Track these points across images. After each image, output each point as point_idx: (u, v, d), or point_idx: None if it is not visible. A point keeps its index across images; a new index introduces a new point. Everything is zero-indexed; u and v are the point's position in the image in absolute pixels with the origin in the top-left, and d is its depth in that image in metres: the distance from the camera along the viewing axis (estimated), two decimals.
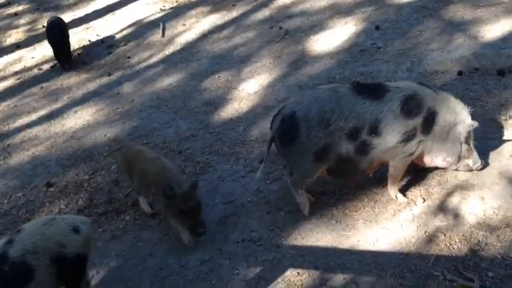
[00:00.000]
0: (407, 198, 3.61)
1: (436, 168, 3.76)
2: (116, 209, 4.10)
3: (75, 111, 5.71)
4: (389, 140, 3.31)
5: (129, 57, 6.74)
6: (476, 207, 3.41)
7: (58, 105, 5.93)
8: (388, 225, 3.45)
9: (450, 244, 3.22)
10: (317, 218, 3.62)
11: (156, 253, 3.62)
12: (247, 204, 3.89)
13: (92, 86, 6.22)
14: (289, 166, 3.57)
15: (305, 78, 5.33)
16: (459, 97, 3.66)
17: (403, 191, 3.67)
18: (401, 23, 5.90)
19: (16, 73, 6.91)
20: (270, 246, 3.48)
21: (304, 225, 3.59)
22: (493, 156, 3.75)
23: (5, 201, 4.42)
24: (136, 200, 4.04)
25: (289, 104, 3.48)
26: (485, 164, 3.64)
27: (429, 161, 3.55)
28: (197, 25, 7.17)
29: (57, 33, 6.60)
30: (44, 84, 6.46)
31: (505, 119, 4.11)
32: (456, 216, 3.40)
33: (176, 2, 8.07)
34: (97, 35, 7.53)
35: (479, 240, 3.19)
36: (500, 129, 4.03)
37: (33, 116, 5.77)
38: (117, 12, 8.16)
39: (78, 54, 7.04)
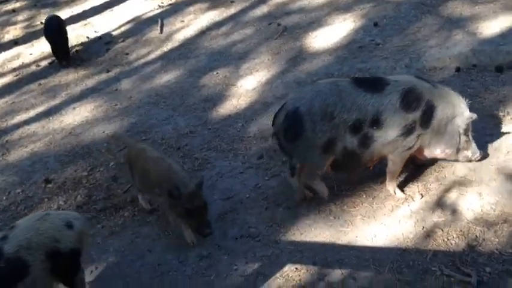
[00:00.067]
0: (405, 194, 3.62)
1: (434, 164, 3.77)
2: (115, 205, 4.10)
3: (74, 108, 5.71)
4: (389, 133, 3.33)
5: (127, 54, 6.74)
6: (474, 203, 3.42)
7: (56, 101, 5.92)
8: (386, 221, 3.46)
9: (448, 239, 3.23)
10: (315, 213, 3.63)
11: (155, 249, 3.63)
12: (246, 200, 3.89)
13: (90, 82, 6.22)
14: (297, 161, 3.58)
15: (303, 75, 5.34)
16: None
17: (401, 186, 3.67)
18: (399, 19, 5.90)
19: (14, 70, 6.91)
20: (268, 242, 3.49)
21: (302, 221, 3.60)
22: (490, 152, 3.76)
23: (4, 198, 4.42)
24: (135, 196, 4.04)
25: (290, 100, 3.49)
26: (484, 155, 3.65)
27: (428, 153, 3.57)
28: (195, 22, 7.17)
29: (55, 32, 6.58)
30: (42, 81, 6.46)
31: (503, 115, 4.12)
32: (454, 211, 3.41)
33: None
34: (95, 31, 7.51)
35: (476, 236, 3.20)
36: (498, 125, 4.03)
37: (32, 113, 5.77)
38: (115, 8, 8.14)
39: (76, 50, 7.03)
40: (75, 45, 7.12)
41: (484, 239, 3.17)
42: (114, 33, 7.38)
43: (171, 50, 6.59)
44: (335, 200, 3.70)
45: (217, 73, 5.80)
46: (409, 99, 3.30)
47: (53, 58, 6.79)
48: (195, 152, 4.55)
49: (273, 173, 4.09)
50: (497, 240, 3.15)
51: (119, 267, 3.54)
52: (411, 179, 3.75)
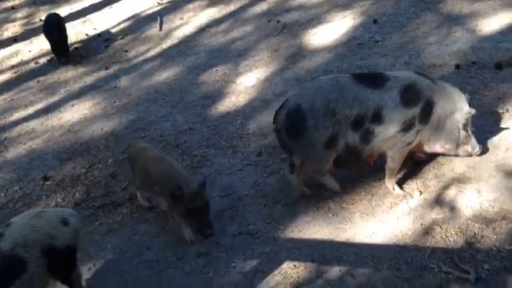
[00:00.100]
0: (404, 191, 3.61)
1: (433, 161, 3.77)
2: (113, 202, 4.10)
3: (72, 105, 5.70)
4: (389, 128, 3.33)
5: (126, 51, 6.72)
6: (473, 200, 3.42)
7: (55, 98, 5.91)
8: (385, 218, 3.46)
9: (446, 236, 3.22)
10: (314, 211, 3.63)
11: (153, 246, 3.62)
12: (244, 197, 3.89)
13: (89, 79, 6.21)
14: (300, 157, 3.57)
15: (303, 72, 5.32)
16: None
17: (400, 183, 3.67)
18: (399, 16, 5.89)
19: (13, 67, 6.89)
20: (266, 239, 3.49)
21: (301, 218, 3.59)
22: (489, 149, 3.75)
23: (2, 195, 4.42)
24: (134, 193, 4.04)
25: (292, 97, 3.48)
26: (484, 149, 3.64)
27: (428, 148, 3.57)
28: (194, 19, 7.15)
29: (55, 30, 6.55)
30: (41, 78, 6.44)
31: (502, 112, 4.11)
32: (452, 208, 3.40)
33: None
34: (94, 28, 7.50)
35: (475, 233, 3.20)
36: (497, 122, 4.03)
37: (30, 110, 5.76)
38: (115, 5, 8.12)
39: (75, 48, 7.01)
40: (74, 43, 7.11)
41: (482, 236, 3.17)
42: (113, 30, 7.36)
43: (170, 47, 6.58)
44: (334, 197, 3.69)
45: (216, 70, 5.79)
46: (409, 95, 3.30)
47: (52, 55, 6.77)
48: (194, 149, 4.55)
49: (272, 170, 4.08)
50: (495, 237, 3.15)
51: (117, 264, 3.54)
52: (410, 176, 3.74)
